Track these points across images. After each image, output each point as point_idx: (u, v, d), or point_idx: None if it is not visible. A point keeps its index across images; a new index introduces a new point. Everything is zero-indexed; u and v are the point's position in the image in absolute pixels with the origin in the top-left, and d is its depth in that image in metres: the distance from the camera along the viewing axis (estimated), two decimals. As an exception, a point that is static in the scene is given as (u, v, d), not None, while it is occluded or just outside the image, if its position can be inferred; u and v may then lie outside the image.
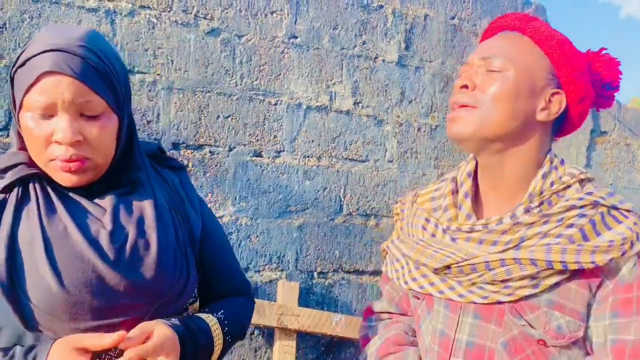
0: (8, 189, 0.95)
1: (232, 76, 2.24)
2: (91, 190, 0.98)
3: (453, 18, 2.76)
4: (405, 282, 1.12)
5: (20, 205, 0.94)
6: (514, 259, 0.97)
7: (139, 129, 2.06)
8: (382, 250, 1.30)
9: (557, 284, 0.98)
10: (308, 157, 2.40)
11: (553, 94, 1.04)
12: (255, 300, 2.18)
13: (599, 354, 0.98)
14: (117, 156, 1.00)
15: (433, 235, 1.10)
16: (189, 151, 2.16)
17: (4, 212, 0.93)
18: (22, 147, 0.99)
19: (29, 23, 1.90)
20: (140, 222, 0.97)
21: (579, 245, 0.95)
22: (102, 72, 0.93)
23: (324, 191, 2.43)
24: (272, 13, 2.31)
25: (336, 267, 2.45)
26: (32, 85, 0.90)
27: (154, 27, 2.09)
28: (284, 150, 2.35)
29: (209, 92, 2.19)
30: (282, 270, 2.34)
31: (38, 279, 0.89)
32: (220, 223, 2.18)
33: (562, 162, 1.08)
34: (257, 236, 2.29)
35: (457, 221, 1.07)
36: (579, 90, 1.05)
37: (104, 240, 0.93)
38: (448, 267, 1.02)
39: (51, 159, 0.93)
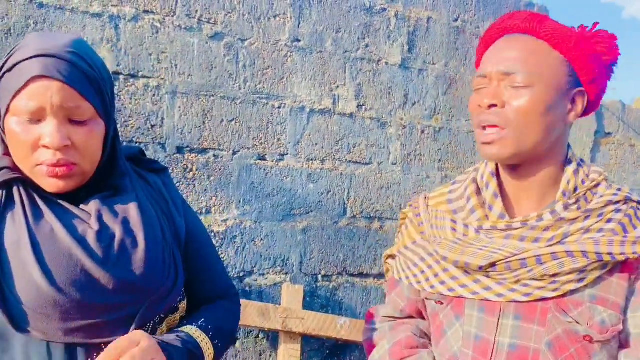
0: None
1: (236, 80, 2.24)
2: (76, 196, 0.98)
3: (456, 20, 2.76)
4: (432, 286, 1.09)
5: (5, 209, 0.93)
6: (567, 251, 0.98)
7: (143, 134, 2.07)
8: (386, 257, 1.28)
9: (599, 278, 0.99)
10: (312, 160, 2.40)
11: (575, 94, 1.03)
12: (260, 303, 2.19)
13: (638, 344, 0.99)
14: (102, 162, 1.00)
15: (465, 236, 1.08)
16: (193, 155, 2.16)
17: None
18: (6, 153, 0.97)
19: (33, 28, 1.91)
20: (126, 223, 0.97)
21: (623, 237, 0.98)
22: (90, 78, 0.93)
23: (327, 194, 2.43)
24: (275, 17, 2.32)
25: (340, 270, 2.45)
26: (20, 89, 0.89)
27: (157, 32, 2.10)
28: (287, 154, 2.35)
29: (212, 96, 2.20)
30: (286, 274, 2.34)
31: (27, 279, 0.88)
32: (225, 226, 2.21)
33: (577, 156, 1.10)
34: (262, 239, 2.29)
35: (487, 221, 1.06)
36: (599, 84, 1.05)
37: (91, 240, 0.93)
38: (493, 264, 1.00)
39: (37, 163, 0.92)
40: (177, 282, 1.01)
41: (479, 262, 1.01)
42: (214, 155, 2.20)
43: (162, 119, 2.11)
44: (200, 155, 2.18)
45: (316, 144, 2.41)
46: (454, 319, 1.08)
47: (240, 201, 2.24)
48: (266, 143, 2.30)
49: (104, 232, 0.94)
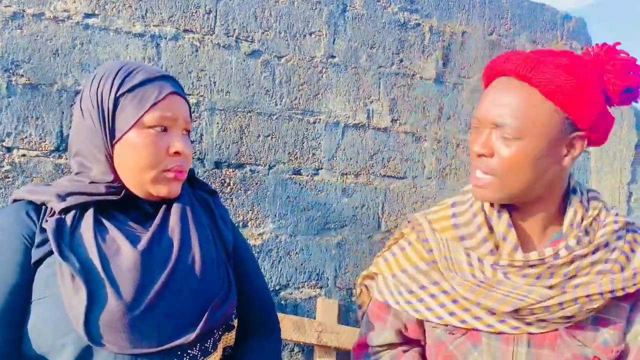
0: (65, 211, 1.01)
1: (272, 96, 2.28)
2: (142, 210, 1.07)
3: (491, 34, 2.75)
4: (439, 317, 1.08)
5: (75, 229, 1.00)
6: (586, 296, 0.98)
7: (182, 149, 2.13)
8: (363, 277, 1.24)
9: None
10: (346, 174, 2.42)
11: (573, 138, 1.00)
12: (295, 317, 2.21)
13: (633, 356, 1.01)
14: None
15: (483, 274, 1.06)
16: (230, 170, 2.20)
17: (64, 230, 0.99)
18: (113, 173, 1.04)
19: (79, 49, 1.99)
20: (184, 238, 1.04)
21: (623, 272, 1.00)
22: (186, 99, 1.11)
23: (362, 208, 2.44)
24: (310, 34, 2.36)
25: (375, 284, 2.45)
26: (158, 102, 1.01)
27: (197, 50, 2.16)
28: (322, 168, 2.37)
29: (249, 112, 2.24)
30: (321, 287, 2.35)
31: (98, 295, 0.94)
32: (261, 240, 2.24)
33: (579, 182, 1.10)
34: (297, 253, 2.31)
35: (501, 257, 1.05)
36: (599, 124, 1.01)
37: (152, 253, 0.99)
38: (517, 310, 1.01)
39: (165, 169, 1.03)
40: (231, 292, 1.07)
41: (504, 309, 1.00)
42: (251, 170, 2.24)
43: (201, 135, 2.16)
44: (237, 170, 2.22)
45: (351, 159, 2.43)
46: (472, 348, 1.07)
47: (275, 215, 2.27)
48: (301, 158, 2.33)
49: (163, 245, 1.01)
